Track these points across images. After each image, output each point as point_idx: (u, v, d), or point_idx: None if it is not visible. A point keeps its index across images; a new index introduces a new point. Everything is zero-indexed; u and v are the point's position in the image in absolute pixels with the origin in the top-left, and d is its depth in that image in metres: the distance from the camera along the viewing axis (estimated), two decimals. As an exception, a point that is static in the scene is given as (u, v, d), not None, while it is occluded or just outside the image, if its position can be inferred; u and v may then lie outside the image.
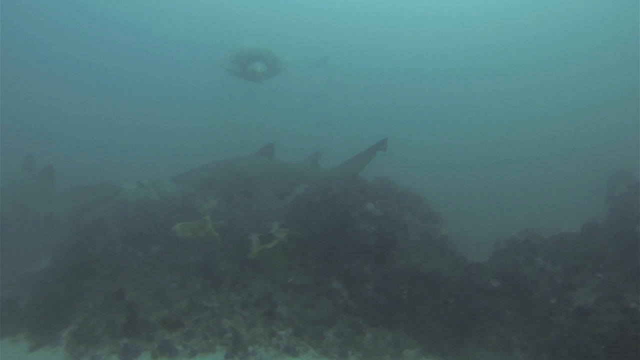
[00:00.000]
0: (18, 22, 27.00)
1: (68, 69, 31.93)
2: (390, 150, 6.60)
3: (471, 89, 32.83)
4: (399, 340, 4.79)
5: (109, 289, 5.24)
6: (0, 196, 9.00)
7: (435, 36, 33.90)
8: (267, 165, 6.58)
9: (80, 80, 31.88)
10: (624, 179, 7.70)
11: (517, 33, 31.90)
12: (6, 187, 9.67)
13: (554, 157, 20.52)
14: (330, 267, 5.92)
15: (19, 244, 7.82)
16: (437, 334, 4.93)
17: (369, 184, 7.66)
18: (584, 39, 29.87)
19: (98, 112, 28.36)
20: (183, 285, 5.66)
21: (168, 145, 22.20)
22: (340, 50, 28.80)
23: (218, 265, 5.91)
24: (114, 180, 7.80)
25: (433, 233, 6.36)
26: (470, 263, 5.50)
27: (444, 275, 5.29)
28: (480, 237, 7.77)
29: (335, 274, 5.80)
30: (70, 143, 22.34)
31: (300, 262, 6.12)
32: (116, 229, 6.71)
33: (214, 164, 6.79)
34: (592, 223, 5.57)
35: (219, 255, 6.27)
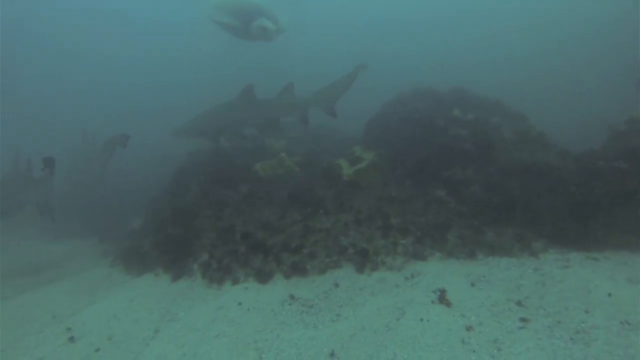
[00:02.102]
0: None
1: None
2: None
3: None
4: (521, 235, 4.64)
5: (219, 226, 5.34)
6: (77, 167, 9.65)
7: None
8: (250, 105, 6.94)
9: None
10: None
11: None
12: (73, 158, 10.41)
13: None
14: (427, 179, 5.75)
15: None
16: (559, 225, 4.73)
17: (445, 94, 7.26)
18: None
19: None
20: (283, 216, 5.69)
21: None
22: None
23: (314, 193, 5.87)
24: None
25: (528, 130, 5.98)
26: (583, 151, 5.16)
27: (556, 165, 5.00)
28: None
29: (434, 183, 5.63)
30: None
31: (394, 178, 5.98)
32: (204, 175, 6.76)
33: (203, 113, 7.13)
34: None
35: (310, 185, 6.23)
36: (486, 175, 5.33)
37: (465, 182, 5.35)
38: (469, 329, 3.01)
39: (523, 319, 3.08)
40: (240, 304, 3.85)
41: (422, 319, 3.18)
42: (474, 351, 2.76)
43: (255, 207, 6.07)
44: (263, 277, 4.35)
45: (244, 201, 6.21)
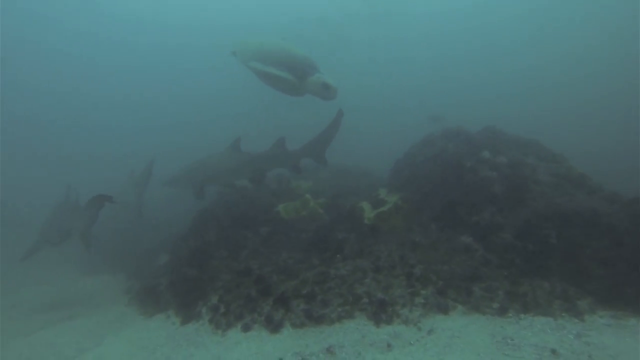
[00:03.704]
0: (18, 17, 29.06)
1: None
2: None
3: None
4: (563, 290, 4.09)
5: (233, 268, 5.22)
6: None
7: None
8: (238, 157, 7.23)
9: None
10: None
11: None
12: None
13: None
14: (453, 223, 5.36)
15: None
16: (611, 281, 4.13)
17: (475, 134, 6.95)
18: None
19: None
20: (302, 260, 5.48)
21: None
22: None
23: (334, 237, 5.64)
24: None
25: (568, 172, 5.50)
26: (634, 196, 4.61)
27: (602, 211, 4.48)
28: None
29: (461, 228, 5.23)
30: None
31: (418, 222, 5.64)
32: (224, 216, 6.77)
33: (193, 163, 7.54)
34: None
35: (331, 229, 6.03)
36: (519, 221, 4.87)
37: (494, 227, 4.92)
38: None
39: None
40: None
41: (433, 386, 2.78)
42: None
43: (273, 250, 5.93)
44: (271, 324, 4.11)
45: (263, 243, 6.10)
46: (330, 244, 5.55)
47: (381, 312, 4.06)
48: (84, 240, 6.99)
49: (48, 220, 7.64)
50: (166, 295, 5.27)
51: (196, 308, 4.71)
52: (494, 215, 5.06)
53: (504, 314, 3.93)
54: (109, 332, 4.71)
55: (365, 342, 3.65)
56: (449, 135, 7.02)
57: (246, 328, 4.16)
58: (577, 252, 4.35)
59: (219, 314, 4.42)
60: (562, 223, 4.55)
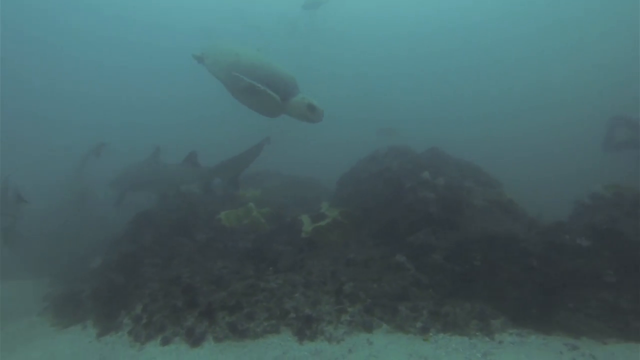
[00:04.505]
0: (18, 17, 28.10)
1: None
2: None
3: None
4: (481, 310, 4.27)
5: (163, 276, 5.02)
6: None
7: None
8: (154, 169, 7.62)
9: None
10: (623, 122, 7.74)
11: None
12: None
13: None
14: (390, 241, 5.47)
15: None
16: (521, 301, 4.38)
17: (420, 154, 7.17)
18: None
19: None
20: (236, 270, 5.37)
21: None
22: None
23: (270, 248, 5.59)
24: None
25: (499, 197, 5.79)
26: (551, 223, 4.92)
27: (520, 237, 4.75)
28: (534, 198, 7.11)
29: (397, 247, 5.35)
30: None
31: (356, 238, 5.71)
32: (162, 221, 6.53)
33: (124, 169, 8.10)
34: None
35: (270, 240, 5.97)
36: (450, 243, 5.06)
37: (427, 248, 5.07)
38: None
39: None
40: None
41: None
42: None
43: (209, 258, 5.78)
44: (192, 338, 3.96)
45: (199, 251, 5.93)
46: (267, 255, 5.49)
47: (306, 328, 4.04)
48: (4, 238, 6.51)
49: None
50: (87, 304, 4.96)
51: (118, 318, 4.46)
52: (428, 235, 5.21)
53: (425, 333, 4.04)
54: (18, 346, 4.32)
55: (285, 358, 3.60)
56: (394, 153, 7.20)
57: (165, 341, 3.99)
58: (497, 274, 4.57)
59: (140, 325, 4.22)
60: (487, 246, 4.77)
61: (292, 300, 4.41)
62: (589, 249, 4.34)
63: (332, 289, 4.52)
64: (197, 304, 4.39)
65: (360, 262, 5.04)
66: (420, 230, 5.29)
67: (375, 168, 6.78)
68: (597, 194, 5.02)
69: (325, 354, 3.65)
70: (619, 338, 3.70)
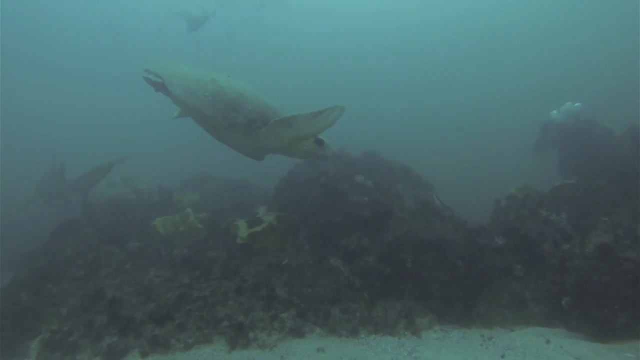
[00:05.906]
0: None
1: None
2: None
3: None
4: (410, 309, 4.49)
5: (85, 291, 4.71)
6: None
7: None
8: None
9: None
10: (553, 126, 8.68)
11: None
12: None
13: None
14: (325, 245, 5.56)
15: None
16: (447, 298, 4.67)
17: (356, 158, 7.36)
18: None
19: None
20: (169, 279, 5.18)
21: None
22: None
23: (205, 255, 5.45)
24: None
25: (429, 200, 6.11)
26: (473, 225, 5.28)
27: (447, 238, 5.04)
28: (467, 200, 7.64)
29: (332, 250, 5.45)
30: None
31: (292, 243, 5.73)
32: (89, 229, 6.12)
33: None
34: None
35: (205, 246, 5.82)
36: (382, 245, 5.24)
37: (360, 251, 5.22)
38: None
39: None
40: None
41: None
42: None
43: (141, 268, 5.52)
44: (112, 356, 3.76)
45: (130, 260, 5.64)
46: (202, 262, 5.36)
47: (239, 336, 4.00)
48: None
49: None
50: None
51: (24, 343, 4.06)
52: (362, 238, 5.36)
53: (356, 335, 4.16)
54: None
55: (215, 370, 3.54)
56: (331, 156, 7.31)
57: (84, 362, 3.75)
58: (426, 274, 4.83)
59: (49, 349, 3.88)
60: (417, 248, 5.01)
61: (226, 308, 4.33)
62: (503, 246, 4.72)
63: (266, 294, 4.50)
64: (122, 317, 4.17)
65: (294, 267, 5.06)
66: (354, 234, 5.43)
67: (312, 172, 6.86)
68: (512, 195, 5.47)
69: (256, 362, 3.64)
70: (523, 324, 4.09)
